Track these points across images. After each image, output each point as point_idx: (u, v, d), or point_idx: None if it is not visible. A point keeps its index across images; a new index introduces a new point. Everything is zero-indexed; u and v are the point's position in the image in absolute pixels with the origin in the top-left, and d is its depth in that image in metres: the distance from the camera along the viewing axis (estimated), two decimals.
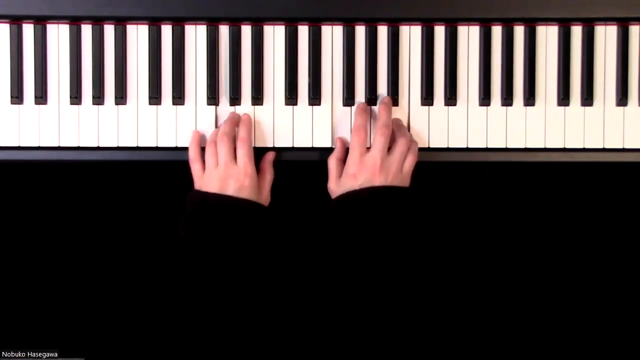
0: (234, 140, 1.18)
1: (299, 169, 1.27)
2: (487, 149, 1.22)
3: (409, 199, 1.16)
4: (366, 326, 1.09)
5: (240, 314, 1.11)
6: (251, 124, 1.21)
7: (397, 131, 1.19)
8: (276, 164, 1.22)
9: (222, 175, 1.16)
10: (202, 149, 1.20)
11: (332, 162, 1.20)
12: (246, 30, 1.22)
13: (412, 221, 1.14)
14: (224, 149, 1.17)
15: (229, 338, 1.09)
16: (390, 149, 1.17)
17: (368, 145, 1.19)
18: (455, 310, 1.11)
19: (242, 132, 1.18)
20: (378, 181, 1.15)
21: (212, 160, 1.17)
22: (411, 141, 1.19)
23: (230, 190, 1.15)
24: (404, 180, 1.17)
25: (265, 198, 1.20)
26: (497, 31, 1.22)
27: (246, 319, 1.12)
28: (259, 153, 1.21)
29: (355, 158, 1.16)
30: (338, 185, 1.18)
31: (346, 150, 1.20)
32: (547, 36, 1.22)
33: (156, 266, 1.13)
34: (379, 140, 1.16)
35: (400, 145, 1.17)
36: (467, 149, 1.22)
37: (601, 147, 1.22)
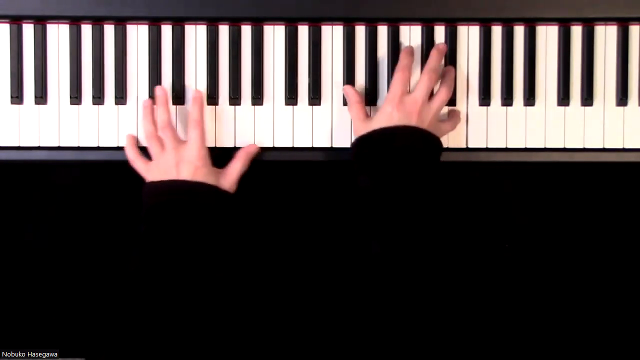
0: (172, 126, 1.17)
1: (299, 169, 1.27)
2: (487, 149, 1.22)
3: (440, 149, 1.14)
4: (382, 280, 1.06)
5: (210, 303, 1.09)
6: (203, 104, 1.19)
7: (444, 80, 1.17)
8: (276, 164, 1.21)
9: (173, 161, 1.14)
10: (141, 150, 1.19)
11: (354, 106, 1.16)
12: (246, 30, 1.22)
13: (439, 177, 1.11)
14: (168, 136, 1.15)
15: (196, 332, 1.07)
16: (430, 96, 1.15)
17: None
18: (458, 295, 1.09)
19: (194, 114, 1.16)
20: (414, 121, 1.12)
21: (157, 149, 1.16)
22: (454, 112, 1.18)
23: (184, 174, 1.13)
24: (437, 132, 1.15)
25: (229, 185, 1.16)
26: (497, 31, 1.22)
27: (216, 309, 1.09)
28: (258, 153, 1.21)
29: (396, 95, 1.13)
30: (368, 123, 1.14)
31: (360, 93, 1.18)
32: (547, 36, 1.22)
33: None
34: (424, 84, 1.14)
35: (441, 94, 1.15)
36: (467, 149, 1.22)
37: (601, 147, 1.22)
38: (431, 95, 1.16)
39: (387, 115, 1.13)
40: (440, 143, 1.15)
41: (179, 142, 1.15)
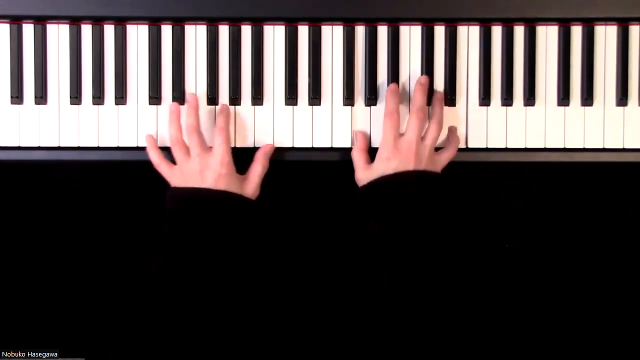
0: (200, 131, 1.17)
1: (299, 169, 1.27)
2: (487, 149, 1.22)
3: (441, 184, 1.15)
4: (392, 315, 1.08)
5: (227, 309, 1.10)
6: (229, 113, 1.19)
7: (433, 115, 1.18)
8: (276, 164, 1.21)
9: (197, 167, 1.14)
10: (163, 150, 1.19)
11: (356, 153, 1.18)
12: (246, 30, 1.22)
13: (444, 207, 1.12)
14: (194, 141, 1.15)
15: (213, 336, 1.07)
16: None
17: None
18: (476, 304, 1.10)
19: (221, 121, 1.17)
20: (412, 166, 1.13)
21: (182, 154, 1.16)
22: (451, 129, 1.19)
23: (208, 181, 1.13)
24: (436, 167, 1.16)
25: (252, 190, 1.17)
26: (497, 31, 1.22)
27: (234, 315, 1.10)
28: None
29: (389, 142, 1.15)
30: (368, 171, 1.16)
31: (368, 141, 1.20)
32: (547, 36, 1.22)
33: (146, 269, 1.13)
34: (414, 124, 1.15)
35: (432, 131, 1.16)
36: (467, 149, 1.22)
37: (601, 147, 1.22)
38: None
39: (385, 163, 1.15)
40: (439, 178, 1.16)
41: (205, 148, 1.16)
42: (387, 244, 1.11)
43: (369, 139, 1.21)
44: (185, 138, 1.17)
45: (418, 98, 1.18)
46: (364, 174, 1.17)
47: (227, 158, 1.15)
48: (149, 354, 1.04)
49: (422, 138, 1.16)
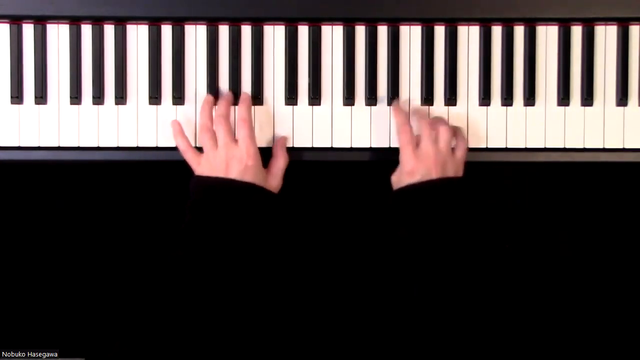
0: (229, 122, 1.17)
1: (299, 169, 1.27)
2: (487, 149, 1.22)
3: (465, 188, 1.15)
4: (418, 318, 1.08)
5: (246, 301, 1.09)
6: (250, 103, 1.19)
7: (436, 121, 1.18)
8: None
9: (224, 157, 1.14)
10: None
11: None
12: (246, 30, 1.22)
13: (469, 210, 1.13)
14: (222, 130, 1.15)
15: (231, 329, 1.07)
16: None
17: None
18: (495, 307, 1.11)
19: (241, 112, 1.17)
20: (435, 173, 1.13)
21: (210, 143, 1.16)
22: (454, 128, 1.19)
23: (234, 172, 1.13)
24: (458, 168, 1.16)
25: (276, 184, 1.17)
26: (497, 31, 1.22)
27: (252, 308, 1.11)
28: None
29: (409, 155, 1.14)
30: (398, 179, 1.16)
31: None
32: (547, 36, 1.22)
33: (156, 264, 1.12)
34: (426, 133, 1.15)
35: (443, 134, 1.16)
36: (467, 149, 1.22)
37: (601, 147, 1.22)
38: None
39: (409, 174, 1.14)
40: (463, 182, 1.16)
41: (232, 139, 1.15)
42: (416, 251, 1.11)
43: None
44: (215, 127, 1.17)
45: (420, 109, 1.19)
46: (396, 179, 1.17)
47: (253, 149, 1.15)
48: (157, 349, 1.03)
49: (436, 142, 1.15)
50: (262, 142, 1.22)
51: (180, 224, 1.12)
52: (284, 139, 1.20)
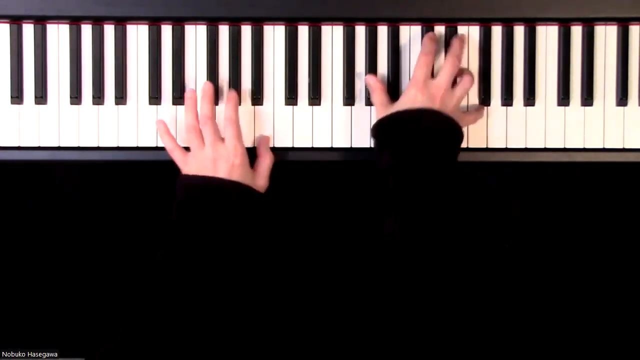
0: (215, 121, 1.16)
1: (299, 170, 1.27)
2: (487, 149, 1.22)
3: (459, 136, 1.14)
4: (397, 258, 1.06)
5: (233, 301, 1.09)
6: (237, 102, 1.19)
7: (466, 71, 1.17)
8: (276, 164, 1.21)
9: (211, 156, 1.14)
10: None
11: (377, 93, 1.17)
12: (246, 30, 1.22)
13: (456, 160, 1.12)
14: (208, 130, 1.15)
15: (220, 331, 1.07)
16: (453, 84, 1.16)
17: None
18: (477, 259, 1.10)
19: (228, 112, 1.17)
20: (437, 108, 1.12)
21: (197, 142, 1.15)
22: (479, 107, 1.19)
23: (221, 171, 1.13)
24: (459, 120, 1.15)
25: (263, 183, 1.17)
26: (497, 31, 1.22)
27: (239, 308, 1.10)
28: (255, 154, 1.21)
29: (420, 78, 1.14)
30: (391, 106, 1.14)
31: (382, 80, 1.19)
32: (547, 36, 1.22)
33: (145, 264, 1.12)
34: (447, 69, 1.14)
35: (465, 83, 1.15)
36: (467, 149, 1.22)
37: (601, 147, 1.22)
38: (454, 83, 1.17)
39: (411, 98, 1.13)
40: (461, 131, 1.15)
41: (219, 138, 1.15)
42: (400, 176, 1.09)
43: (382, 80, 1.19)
44: (202, 126, 1.17)
45: (456, 46, 1.17)
46: (385, 110, 1.15)
47: (240, 149, 1.15)
48: (144, 349, 1.03)
49: (453, 87, 1.15)
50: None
51: (166, 225, 1.12)
52: (267, 138, 1.20)
